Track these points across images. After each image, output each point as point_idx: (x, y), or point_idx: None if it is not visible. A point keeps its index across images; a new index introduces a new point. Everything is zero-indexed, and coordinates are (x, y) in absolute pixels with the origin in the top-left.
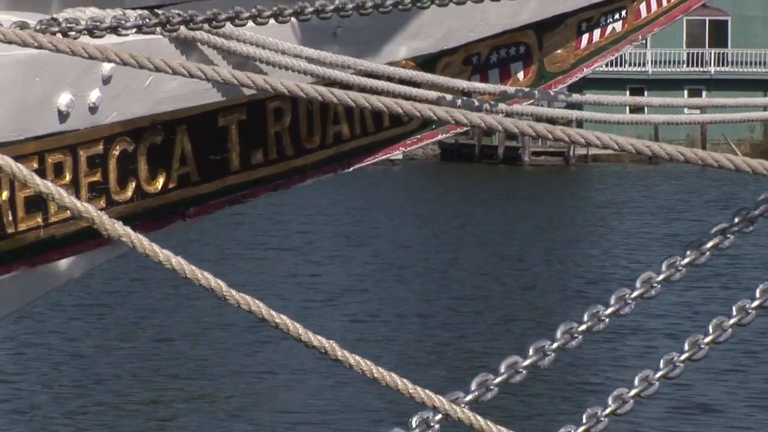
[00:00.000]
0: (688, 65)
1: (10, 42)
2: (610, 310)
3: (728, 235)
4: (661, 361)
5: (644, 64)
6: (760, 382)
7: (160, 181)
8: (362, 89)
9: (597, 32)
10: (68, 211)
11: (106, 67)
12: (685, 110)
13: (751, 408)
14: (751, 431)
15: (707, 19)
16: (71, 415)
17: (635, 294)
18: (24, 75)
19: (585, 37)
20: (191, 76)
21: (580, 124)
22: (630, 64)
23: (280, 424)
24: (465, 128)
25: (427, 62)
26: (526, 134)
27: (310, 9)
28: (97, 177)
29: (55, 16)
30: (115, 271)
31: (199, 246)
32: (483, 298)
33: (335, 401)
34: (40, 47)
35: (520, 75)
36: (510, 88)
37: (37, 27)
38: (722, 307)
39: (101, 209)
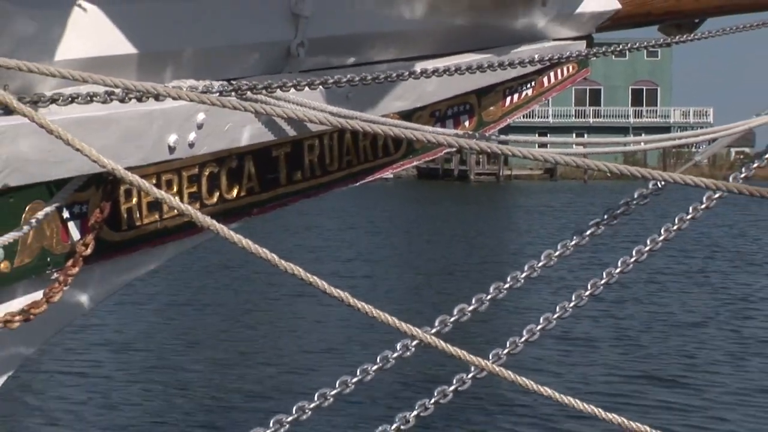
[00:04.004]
0: (575, 117)
1: (147, 93)
2: (524, 275)
3: (600, 227)
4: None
5: (547, 116)
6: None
7: (235, 192)
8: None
9: (516, 95)
10: (175, 211)
11: (200, 117)
12: (573, 146)
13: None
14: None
15: (588, 87)
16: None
17: (540, 264)
18: (147, 123)
19: (508, 99)
20: (255, 113)
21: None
22: (538, 116)
23: (304, 347)
24: (434, 157)
25: (406, 115)
26: (474, 150)
27: (331, 80)
28: (194, 189)
29: (165, 84)
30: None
31: (256, 233)
32: (445, 264)
33: (345, 334)
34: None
35: (467, 123)
36: (460, 132)
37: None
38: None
39: (197, 210)
